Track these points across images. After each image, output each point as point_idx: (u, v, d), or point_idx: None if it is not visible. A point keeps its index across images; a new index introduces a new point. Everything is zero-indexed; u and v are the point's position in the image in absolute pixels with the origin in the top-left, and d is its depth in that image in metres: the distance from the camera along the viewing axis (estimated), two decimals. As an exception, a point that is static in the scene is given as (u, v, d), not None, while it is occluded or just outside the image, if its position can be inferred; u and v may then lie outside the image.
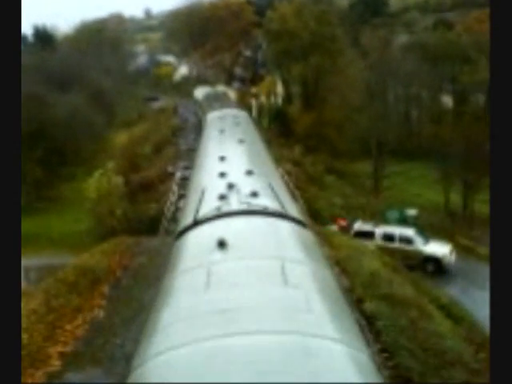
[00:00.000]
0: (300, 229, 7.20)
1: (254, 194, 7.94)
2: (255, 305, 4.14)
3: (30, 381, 8.46)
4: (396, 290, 11.19)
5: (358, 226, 22.61)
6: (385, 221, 26.99)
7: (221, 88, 46.70)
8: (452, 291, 14.53)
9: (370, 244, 19.27)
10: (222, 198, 7.82)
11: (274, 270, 4.81)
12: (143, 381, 3.68)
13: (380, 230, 22.22)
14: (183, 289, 5.14)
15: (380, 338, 9.34)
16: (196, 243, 6.64)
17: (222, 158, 12.35)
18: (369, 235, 21.64)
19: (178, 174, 21.59)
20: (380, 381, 3.94)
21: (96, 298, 11.63)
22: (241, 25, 57.70)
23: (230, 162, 11.96)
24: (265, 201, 7.78)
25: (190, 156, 23.51)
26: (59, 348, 9.43)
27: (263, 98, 42.88)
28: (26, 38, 63.08)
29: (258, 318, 3.90)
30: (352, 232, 21.73)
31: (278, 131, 36.72)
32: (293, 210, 8.33)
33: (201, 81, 53.59)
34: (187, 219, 7.89)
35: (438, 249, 21.16)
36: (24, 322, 9.61)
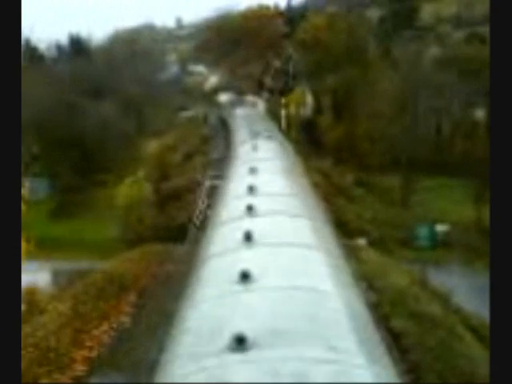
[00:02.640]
0: None
1: None
2: None
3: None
4: (424, 308, 10.98)
5: None
6: (414, 236, 26.51)
7: (250, 98, 47.11)
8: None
9: None
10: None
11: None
12: None
13: None
14: None
15: (407, 358, 9.15)
16: None
17: None
18: None
19: (207, 183, 21.73)
20: None
21: (123, 304, 11.78)
22: (271, 35, 58.02)
23: None
24: None
25: (219, 165, 23.67)
26: (85, 353, 9.57)
27: (292, 109, 42.88)
28: (61, 46, 64.86)
29: None
30: None
31: (307, 142, 36.61)
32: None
33: (232, 90, 54.13)
34: None
35: None
36: (52, 326, 9.80)
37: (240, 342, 3.84)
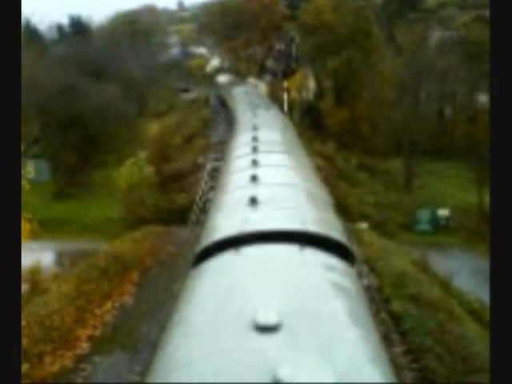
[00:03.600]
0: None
1: None
2: None
3: (59, 362, 8.73)
4: (424, 291, 11.05)
5: None
6: (415, 221, 26.59)
7: (251, 81, 46.97)
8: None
9: None
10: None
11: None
12: None
13: None
14: None
15: (406, 339, 9.25)
16: None
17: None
18: None
19: (209, 166, 21.72)
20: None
21: (125, 284, 11.87)
22: (274, 18, 57.44)
23: None
24: None
25: (220, 148, 23.64)
26: (88, 331, 9.68)
27: (295, 93, 42.64)
28: (62, 27, 64.31)
29: None
30: None
31: (310, 126, 36.49)
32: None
33: (232, 73, 53.90)
34: None
35: None
36: (56, 305, 9.89)
37: None
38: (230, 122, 25.46)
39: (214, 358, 2.98)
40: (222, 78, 49.36)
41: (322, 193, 8.50)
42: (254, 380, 2.62)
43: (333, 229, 6.12)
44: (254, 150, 10.94)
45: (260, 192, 6.49)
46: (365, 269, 8.69)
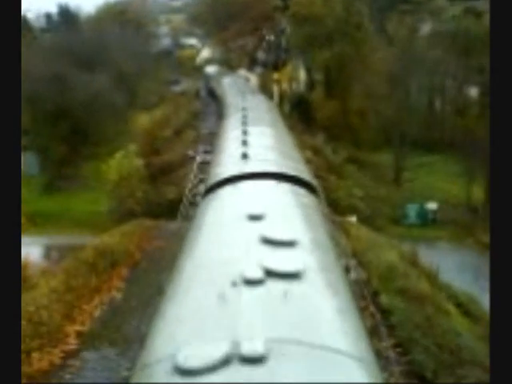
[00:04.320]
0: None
1: None
2: None
3: (47, 358, 8.71)
4: (412, 285, 11.15)
5: None
6: (404, 214, 26.77)
7: (242, 72, 46.80)
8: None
9: None
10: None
11: None
12: None
13: None
14: None
15: (394, 333, 9.34)
16: None
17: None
18: None
19: (198, 158, 21.65)
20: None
21: (114, 279, 11.83)
22: (265, 9, 57.10)
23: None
24: None
25: (210, 140, 23.56)
26: (77, 327, 9.64)
27: (285, 84, 42.53)
28: (51, 16, 63.54)
29: None
30: None
31: (300, 118, 36.44)
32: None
33: (222, 64, 53.60)
34: None
35: None
36: (44, 300, 9.83)
37: None
38: (220, 114, 25.87)
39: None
40: (210, 69, 49.53)
41: (294, 152, 11.71)
42: None
43: (301, 172, 8.64)
44: (244, 123, 13.44)
45: (249, 151, 8.80)
46: (323, 201, 9.66)
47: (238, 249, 4.15)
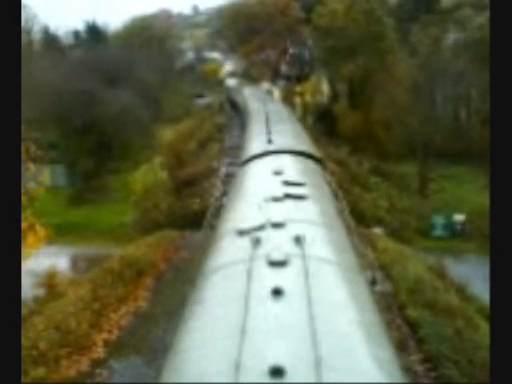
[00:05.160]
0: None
1: None
2: None
3: (75, 366, 8.80)
4: (440, 298, 10.93)
5: None
6: (430, 226, 26.31)
7: (265, 85, 47.10)
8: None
9: None
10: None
11: None
12: None
13: None
14: None
15: (423, 347, 9.14)
16: None
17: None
18: None
19: (223, 170, 21.74)
20: None
21: (140, 289, 11.94)
22: (288, 22, 57.46)
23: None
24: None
25: (234, 153, 23.68)
26: (104, 336, 9.75)
27: (308, 97, 42.59)
28: (78, 33, 65.21)
29: None
30: None
31: (323, 130, 36.37)
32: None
33: (244, 77, 54.07)
34: None
35: None
36: (71, 309, 9.99)
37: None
38: (243, 118, 27.70)
39: None
40: (231, 82, 50.60)
41: (305, 138, 15.05)
42: None
43: (309, 149, 11.67)
44: (267, 120, 16.43)
45: (272, 138, 11.63)
46: (323, 167, 11.48)
47: (268, 186, 6.93)
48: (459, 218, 25.99)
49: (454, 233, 25.81)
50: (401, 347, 8.86)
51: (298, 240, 4.62)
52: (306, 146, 12.34)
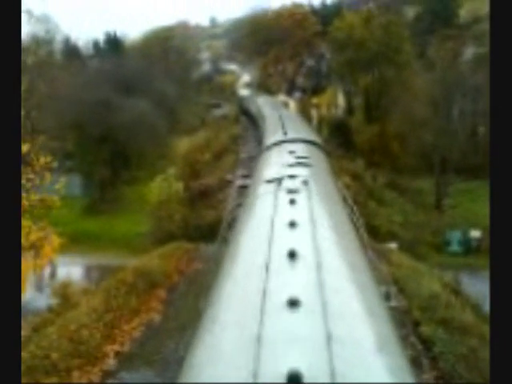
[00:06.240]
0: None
1: None
2: None
3: (86, 377, 8.83)
4: (456, 315, 10.77)
5: None
6: (445, 242, 25.96)
7: (281, 97, 47.33)
8: None
9: None
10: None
11: None
12: None
13: None
14: None
15: (437, 365, 9.00)
16: None
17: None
18: None
19: (237, 182, 21.81)
20: None
21: (153, 301, 11.97)
22: (305, 34, 57.76)
23: None
24: None
25: (249, 164, 23.75)
26: (116, 347, 9.77)
27: (324, 109, 42.63)
28: (98, 43, 66.23)
29: None
30: None
31: (339, 143, 36.31)
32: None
33: (260, 88, 54.43)
34: None
35: None
36: (85, 319, 10.04)
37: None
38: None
39: None
40: (244, 92, 51.89)
41: (313, 132, 19.70)
42: None
43: (316, 139, 14.29)
44: (280, 118, 20.74)
45: (287, 131, 14.52)
46: (326, 154, 13.46)
47: (285, 159, 9.63)
48: (475, 234, 25.62)
49: (470, 249, 25.44)
50: (414, 364, 8.73)
51: (306, 182, 7.38)
52: (313, 137, 15.67)
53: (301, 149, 11.00)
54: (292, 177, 7.68)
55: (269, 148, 12.66)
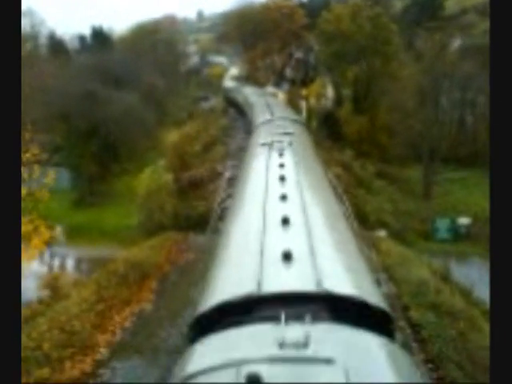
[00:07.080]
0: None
1: None
2: None
3: (78, 367, 8.83)
4: (445, 300, 10.90)
5: None
6: (434, 229, 26.24)
7: (269, 89, 47.24)
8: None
9: None
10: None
11: None
12: None
13: None
14: None
15: (426, 348, 9.13)
16: None
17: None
18: None
19: (227, 173, 21.80)
20: None
21: (144, 291, 11.98)
22: (292, 27, 57.60)
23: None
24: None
25: (238, 155, 23.75)
26: (107, 337, 9.78)
27: (313, 101, 42.62)
28: (84, 38, 65.57)
29: None
30: None
31: (328, 134, 36.41)
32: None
33: (250, 81, 54.22)
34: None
35: None
36: (76, 310, 10.03)
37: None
38: (248, 129, 27.07)
39: None
40: (229, 83, 51.84)
41: (296, 114, 23.82)
42: None
43: (300, 119, 23.13)
44: (267, 105, 22.08)
45: (273, 113, 16.81)
46: (307, 129, 16.34)
47: (273, 130, 12.15)
48: (464, 221, 25.92)
49: (458, 236, 25.74)
50: (404, 348, 8.82)
51: (291, 143, 9.88)
52: (295, 116, 18.28)
53: (286, 124, 13.69)
54: (278, 141, 10.03)
55: (259, 126, 15.16)
